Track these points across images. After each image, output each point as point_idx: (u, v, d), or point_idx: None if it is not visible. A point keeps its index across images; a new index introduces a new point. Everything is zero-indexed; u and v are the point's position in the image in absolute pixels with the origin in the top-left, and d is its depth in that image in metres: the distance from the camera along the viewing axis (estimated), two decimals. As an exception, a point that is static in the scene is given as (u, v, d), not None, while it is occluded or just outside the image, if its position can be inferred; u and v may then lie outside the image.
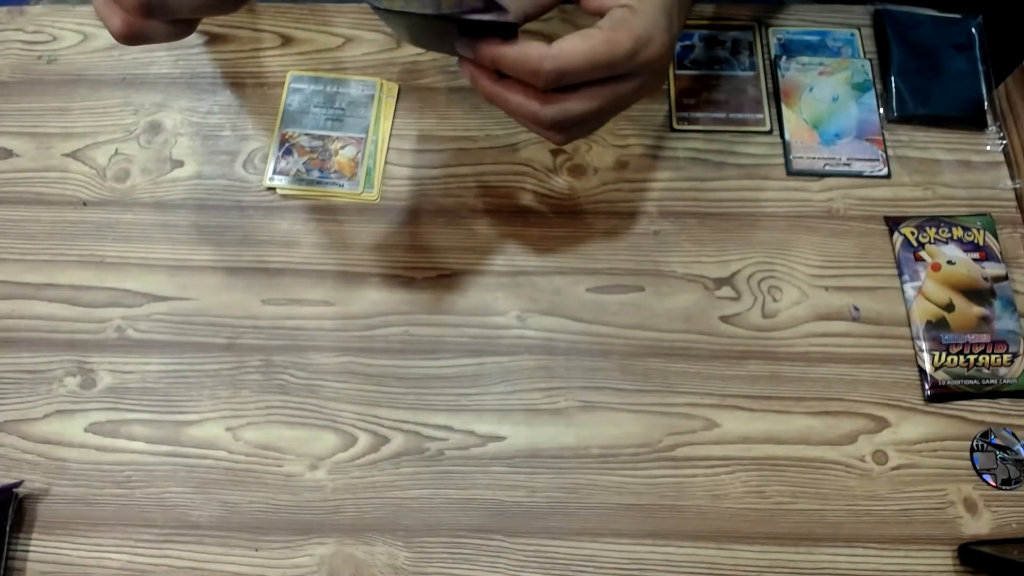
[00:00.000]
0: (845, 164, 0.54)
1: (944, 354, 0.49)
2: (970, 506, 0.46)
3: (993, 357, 0.49)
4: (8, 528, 0.45)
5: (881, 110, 0.56)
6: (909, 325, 0.50)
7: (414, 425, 0.48)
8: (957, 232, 0.52)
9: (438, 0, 0.36)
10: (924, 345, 0.49)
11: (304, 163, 0.54)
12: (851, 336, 0.50)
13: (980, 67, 0.56)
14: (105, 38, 0.59)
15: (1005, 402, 0.49)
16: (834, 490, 0.47)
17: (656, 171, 0.55)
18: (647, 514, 0.46)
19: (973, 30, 0.57)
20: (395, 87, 0.57)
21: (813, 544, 0.46)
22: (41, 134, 0.56)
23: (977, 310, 0.50)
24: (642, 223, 0.53)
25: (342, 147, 0.55)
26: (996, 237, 0.52)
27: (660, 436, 0.48)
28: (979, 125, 0.55)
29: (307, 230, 0.53)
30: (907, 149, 0.55)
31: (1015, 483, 0.47)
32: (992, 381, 0.49)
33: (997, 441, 0.48)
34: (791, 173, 0.54)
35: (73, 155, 0.55)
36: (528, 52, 0.37)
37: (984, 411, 0.48)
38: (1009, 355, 0.49)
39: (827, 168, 0.54)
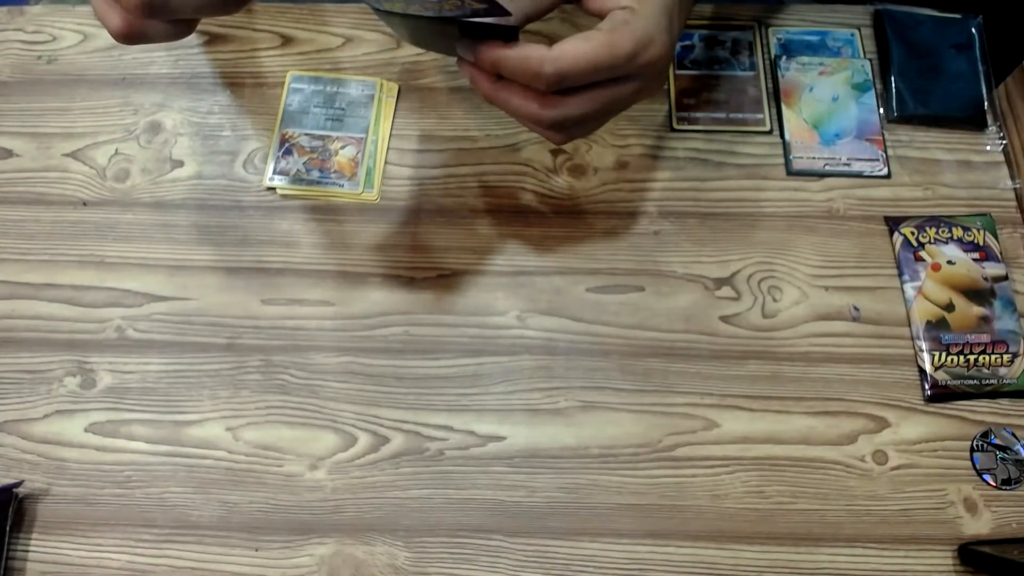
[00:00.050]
0: (845, 164, 0.54)
1: (944, 354, 0.49)
2: (970, 506, 0.46)
3: (993, 357, 0.49)
4: (8, 528, 0.45)
5: (881, 110, 0.56)
6: (909, 325, 0.50)
7: (414, 425, 0.48)
8: (957, 232, 0.52)
9: (439, 2, 0.36)
10: (924, 345, 0.49)
11: (304, 163, 0.54)
12: (851, 336, 0.50)
13: (980, 67, 0.56)
14: (105, 38, 0.59)
15: (1005, 402, 0.49)
16: (834, 490, 0.47)
17: (656, 171, 0.55)
18: (647, 514, 0.46)
19: (973, 30, 0.57)
20: (395, 87, 0.57)
21: (813, 544, 0.46)
22: (41, 134, 0.56)
23: (977, 310, 0.50)
24: (642, 223, 0.53)
25: (342, 147, 0.55)
26: (996, 237, 0.52)
27: (660, 436, 0.48)
28: (979, 125, 0.55)
29: (307, 230, 0.53)
30: (907, 149, 0.55)
31: (1015, 483, 0.47)
32: (992, 381, 0.49)
33: (997, 441, 0.48)
34: (791, 173, 0.54)
35: (73, 155, 0.55)
36: (529, 55, 0.37)
37: (984, 411, 0.48)
38: (1009, 355, 0.49)
39: (827, 168, 0.54)
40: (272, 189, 0.54)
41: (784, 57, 0.57)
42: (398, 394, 0.49)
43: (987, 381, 0.49)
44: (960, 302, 0.50)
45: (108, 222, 0.53)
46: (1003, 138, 0.55)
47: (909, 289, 0.51)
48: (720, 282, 0.52)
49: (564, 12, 0.58)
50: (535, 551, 0.45)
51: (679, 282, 0.52)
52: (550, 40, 0.37)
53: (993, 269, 0.51)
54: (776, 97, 0.56)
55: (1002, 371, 0.49)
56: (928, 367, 0.49)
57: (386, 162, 0.55)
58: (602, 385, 0.49)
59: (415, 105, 0.57)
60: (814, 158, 0.55)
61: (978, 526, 0.46)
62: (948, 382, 0.49)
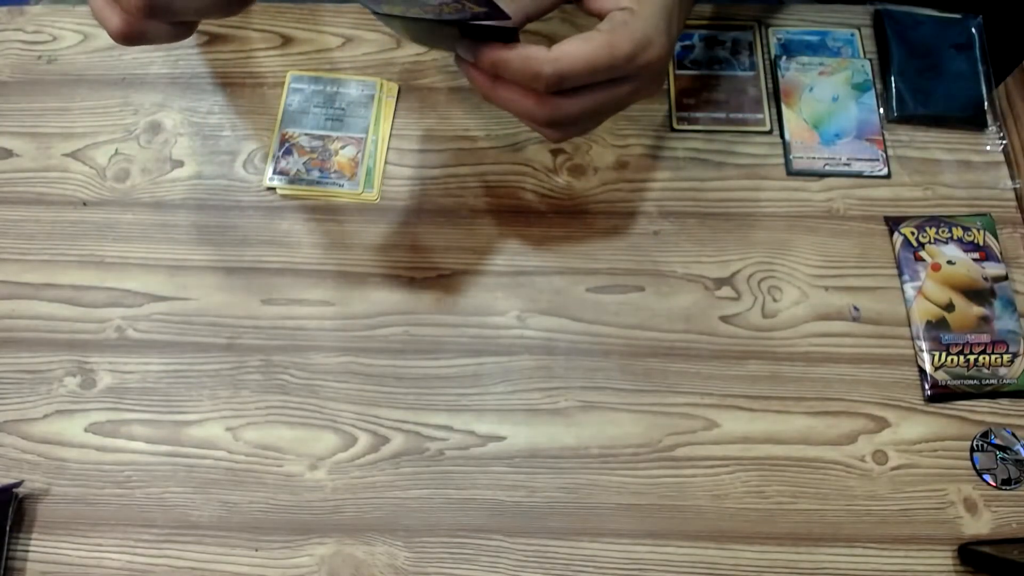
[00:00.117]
0: (845, 164, 0.54)
1: (944, 354, 0.49)
2: (970, 506, 0.46)
3: (993, 357, 0.49)
4: (8, 528, 0.45)
5: (881, 110, 0.56)
6: (909, 325, 0.50)
7: (414, 425, 0.48)
8: (957, 232, 0.52)
9: (439, 5, 0.36)
10: (924, 345, 0.49)
11: (304, 163, 0.54)
12: (851, 336, 0.50)
13: (980, 67, 0.56)
14: (105, 38, 0.59)
15: (1005, 402, 0.49)
16: (834, 490, 0.47)
17: (656, 171, 0.55)
18: (647, 514, 0.46)
19: (973, 30, 0.57)
20: (395, 87, 0.57)
21: (813, 544, 0.46)
22: (41, 134, 0.56)
23: (977, 310, 0.50)
24: (642, 223, 0.53)
25: (342, 147, 0.55)
26: (996, 237, 0.52)
27: (660, 436, 0.48)
28: (979, 125, 0.55)
29: (307, 230, 0.53)
30: (907, 149, 0.55)
31: (1015, 483, 0.47)
32: (992, 381, 0.49)
33: (997, 441, 0.48)
34: (791, 173, 0.54)
35: (73, 155, 0.55)
36: (528, 56, 0.37)
37: (984, 411, 0.48)
38: (1009, 355, 0.49)
39: (827, 168, 0.54)
40: (272, 189, 0.54)
41: (784, 57, 0.57)
42: (398, 394, 0.49)
43: (987, 381, 0.49)
44: (960, 302, 0.50)
45: (108, 222, 0.53)
46: (1003, 138, 0.55)
47: (909, 289, 0.51)
48: (720, 282, 0.52)
49: (564, 12, 0.58)
50: (535, 551, 0.45)
51: (679, 282, 0.52)
52: (550, 40, 0.37)
53: (993, 269, 0.51)
54: (776, 97, 0.56)
55: (1002, 371, 0.49)
56: (928, 367, 0.49)
57: (386, 162, 0.55)
58: (602, 385, 0.49)
59: (415, 105, 0.57)
60: (814, 158, 0.55)
61: (978, 526, 0.46)
62: (948, 382, 0.49)
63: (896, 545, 0.46)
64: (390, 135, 0.56)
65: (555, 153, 0.55)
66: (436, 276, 0.52)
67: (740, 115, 0.56)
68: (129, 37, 0.37)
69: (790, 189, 0.54)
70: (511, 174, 0.55)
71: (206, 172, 0.55)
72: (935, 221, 0.53)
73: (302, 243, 0.53)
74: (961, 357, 0.49)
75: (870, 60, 0.57)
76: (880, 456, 0.47)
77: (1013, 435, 0.48)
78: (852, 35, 0.58)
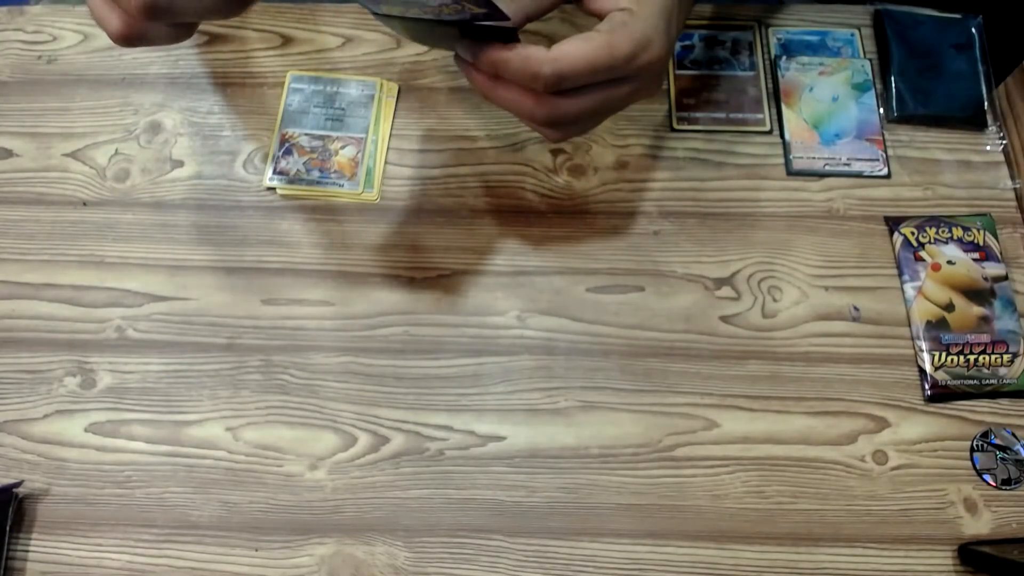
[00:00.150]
0: (845, 164, 0.54)
1: (944, 354, 0.49)
2: (970, 506, 0.46)
3: (993, 357, 0.49)
4: (8, 528, 0.45)
5: (881, 110, 0.56)
6: (909, 325, 0.50)
7: (414, 425, 0.48)
8: (957, 232, 0.52)
9: (438, 7, 0.36)
10: (924, 345, 0.49)
11: (304, 163, 0.54)
12: (851, 336, 0.50)
13: (980, 67, 0.56)
14: (105, 38, 0.58)
15: (1005, 402, 0.49)
16: (834, 490, 0.47)
17: (656, 171, 0.55)
18: (647, 514, 0.46)
19: (973, 30, 0.57)
20: (395, 87, 0.57)
21: (813, 544, 0.46)
22: (41, 134, 0.56)
23: (977, 310, 0.50)
24: (642, 223, 0.53)
25: (342, 147, 0.55)
26: (996, 237, 0.52)
27: (660, 436, 0.48)
28: (979, 125, 0.55)
29: (307, 230, 0.53)
30: (907, 149, 0.55)
31: (1015, 483, 0.47)
32: (992, 381, 0.49)
33: (997, 441, 0.48)
34: (791, 173, 0.54)
35: (73, 155, 0.55)
36: (528, 57, 0.37)
37: (984, 411, 0.48)
38: (1009, 355, 0.49)
39: (827, 168, 0.54)
40: (272, 189, 0.54)
41: (784, 57, 0.57)
42: (398, 394, 0.49)
43: (987, 381, 0.49)
44: (960, 302, 0.50)
45: (108, 222, 0.53)
46: (1003, 138, 0.55)
47: (909, 289, 0.51)
48: (720, 282, 0.52)
49: (564, 12, 0.58)
50: (535, 551, 0.45)
51: (679, 282, 0.52)
52: (550, 40, 0.37)
53: (993, 269, 0.51)
54: (776, 97, 0.56)
55: (1002, 371, 0.49)
56: (928, 367, 0.49)
57: (386, 162, 0.55)
58: (602, 385, 0.49)
59: (415, 105, 0.57)
60: (814, 158, 0.55)
61: (978, 526, 0.46)
62: (948, 382, 0.49)
63: (896, 545, 0.46)
64: (390, 135, 0.56)
65: (555, 153, 0.55)
66: (436, 276, 0.52)
67: (740, 115, 0.56)
68: (129, 39, 0.36)
69: (790, 189, 0.54)
70: (511, 174, 0.55)
71: (206, 172, 0.55)
72: (935, 221, 0.53)
73: (302, 243, 0.53)
74: (961, 357, 0.49)
75: (870, 60, 0.57)
76: (880, 456, 0.47)
77: (1013, 435, 0.48)
78: (852, 35, 0.58)
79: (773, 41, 0.58)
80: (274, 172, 0.54)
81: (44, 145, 0.56)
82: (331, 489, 0.47)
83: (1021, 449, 0.47)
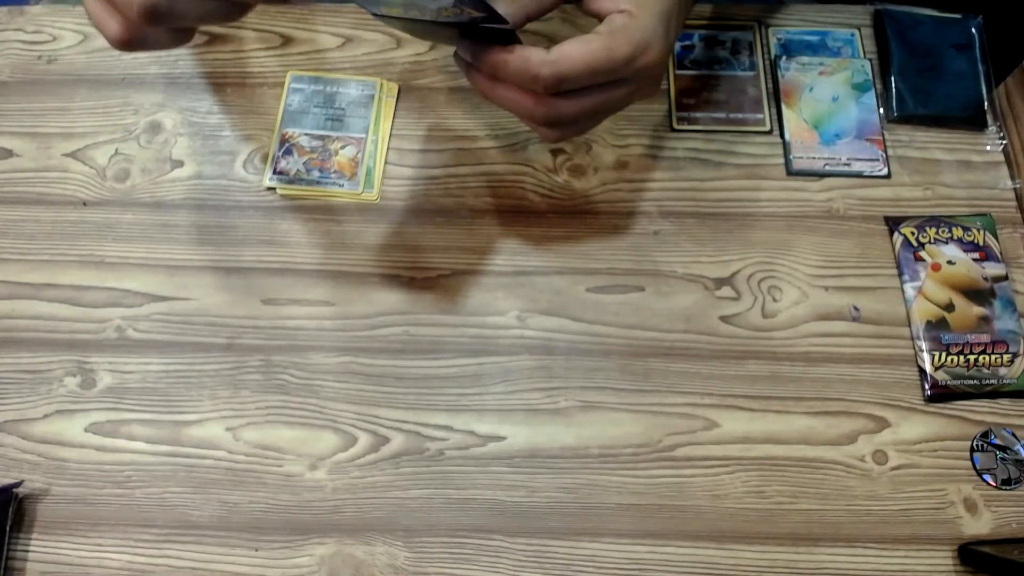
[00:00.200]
0: (845, 164, 0.54)
1: (944, 354, 0.49)
2: (970, 506, 0.46)
3: (993, 357, 0.49)
4: (8, 528, 0.45)
5: (881, 110, 0.56)
6: (909, 325, 0.50)
7: (414, 425, 0.48)
8: (957, 232, 0.52)
9: (437, 11, 0.36)
10: (924, 345, 0.49)
11: (304, 163, 0.54)
12: (851, 336, 0.50)
13: (980, 67, 0.56)
14: (105, 38, 0.59)
15: (1005, 402, 0.49)
16: (834, 490, 0.47)
17: (656, 171, 0.55)
18: (647, 514, 0.46)
19: (973, 30, 0.57)
20: (395, 87, 0.57)
21: (813, 544, 0.46)
22: (41, 134, 0.56)
23: (977, 310, 0.50)
24: (642, 223, 0.53)
25: (342, 147, 0.55)
26: (996, 237, 0.52)
27: (660, 436, 0.48)
28: (979, 125, 0.55)
29: (307, 230, 0.53)
30: (907, 149, 0.55)
31: (1015, 483, 0.47)
32: (992, 381, 0.49)
33: (997, 441, 0.48)
34: (791, 173, 0.54)
35: (73, 155, 0.55)
36: (527, 58, 0.37)
37: (984, 411, 0.48)
38: (1009, 355, 0.49)
39: (827, 168, 0.54)
40: (272, 189, 0.54)
41: (784, 57, 0.57)
42: (398, 394, 0.49)
43: (987, 381, 0.49)
44: (960, 302, 0.50)
45: (108, 222, 0.53)
46: (1003, 138, 0.55)
47: (909, 289, 0.51)
48: (720, 282, 0.52)
49: (564, 12, 0.58)
50: (535, 551, 0.45)
51: (679, 282, 0.52)
52: (550, 40, 0.37)
53: (993, 269, 0.51)
54: (776, 97, 0.56)
55: (1002, 371, 0.49)
56: (928, 367, 0.49)
57: (386, 162, 0.55)
58: (602, 385, 0.49)
59: (415, 105, 0.57)
60: (814, 158, 0.55)
61: (978, 526, 0.46)
62: (948, 382, 0.49)
63: (896, 545, 0.46)
64: (390, 135, 0.56)
65: (555, 153, 0.55)
66: (436, 276, 0.52)
67: (740, 115, 0.56)
68: (129, 44, 0.36)
69: (790, 189, 0.54)
70: (511, 174, 0.55)
71: (206, 172, 0.55)
72: (935, 221, 0.53)
73: (302, 243, 0.53)
74: (961, 357, 0.49)
75: (870, 60, 0.57)
76: (880, 456, 0.47)
77: (1013, 435, 0.48)
78: (852, 35, 0.58)
79: (773, 41, 0.58)
80: (274, 172, 0.54)
81: (44, 145, 0.56)
82: (331, 489, 0.47)
83: (1021, 449, 0.47)
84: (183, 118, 0.57)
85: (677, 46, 0.58)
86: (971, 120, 0.55)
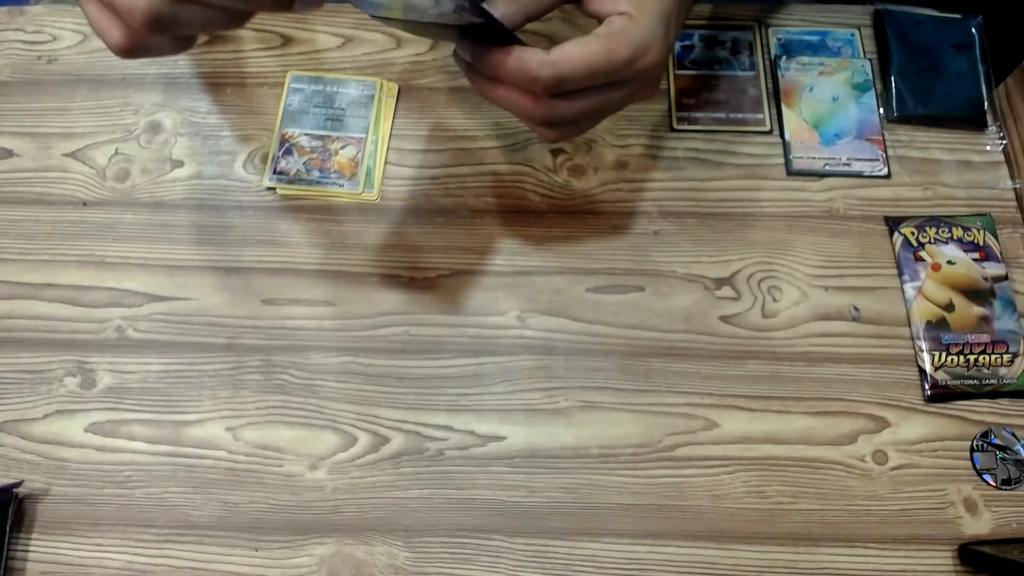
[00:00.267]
0: (845, 164, 0.54)
1: (944, 354, 0.49)
2: (970, 506, 0.46)
3: (993, 357, 0.49)
4: (8, 528, 0.45)
5: (881, 110, 0.56)
6: (909, 325, 0.50)
7: (414, 425, 0.48)
8: (957, 232, 0.52)
9: (437, 15, 0.36)
10: (924, 345, 0.49)
11: (304, 163, 0.54)
12: (851, 336, 0.50)
13: (980, 67, 0.56)
14: (105, 38, 0.59)
15: (1005, 402, 0.49)
16: (834, 490, 0.47)
17: (656, 171, 0.55)
18: (647, 514, 0.46)
19: (973, 30, 0.57)
20: (395, 87, 0.57)
21: (813, 544, 0.46)
22: (41, 134, 0.56)
23: (977, 310, 0.50)
24: (642, 223, 0.53)
25: (342, 147, 0.55)
26: (996, 237, 0.52)
27: (660, 436, 0.48)
28: (979, 125, 0.55)
29: (307, 230, 0.53)
30: (907, 149, 0.55)
31: (1015, 483, 0.47)
32: (992, 381, 0.49)
33: (997, 441, 0.48)
34: (791, 173, 0.54)
35: (73, 155, 0.55)
36: (527, 60, 0.37)
37: (984, 411, 0.48)
38: (1009, 355, 0.49)
39: (827, 168, 0.54)
40: (272, 189, 0.54)
41: (784, 57, 0.57)
42: (398, 394, 0.49)
43: (987, 381, 0.49)
44: (960, 302, 0.50)
45: (108, 222, 0.53)
46: (1003, 138, 0.55)
47: (909, 289, 0.51)
48: (720, 282, 0.52)
49: (564, 12, 0.58)
50: (535, 551, 0.45)
51: (679, 282, 0.52)
52: (550, 40, 0.37)
53: (993, 269, 0.51)
54: (776, 97, 0.56)
55: (1002, 371, 0.49)
56: (928, 367, 0.49)
57: (386, 162, 0.55)
58: (602, 385, 0.49)
59: (415, 105, 0.57)
60: (814, 158, 0.55)
61: (978, 526, 0.46)
62: (948, 382, 0.49)
63: (896, 545, 0.46)
64: (390, 135, 0.56)
65: (555, 153, 0.55)
66: (436, 276, 0.52)
67: (740, 115, 0.56)
68: (132, 51, 0.36)
69: (790, 189, 0.54)
70: (511, 174, 0.55)
71: (206, 172, 0.55)
72: (935, 221, 0.53)
73: (302, 243, 0.53)
74: (961, 357, 0.49)
75: (870, 60, 0.57)
76: (880, 456, 0.47)
77: (1013, 435, 0.48)
78: (852, 35, 0.58)
79: (773, 41, 0.58)
80: (274, 172, 0.54)
81: (44, 145, 0.56)
82: (331, 489, 0.47)
83: (1021, 449, 0.47)
84: (183, 118, 0.57)
85: (677, 46, 0.58)
86: (971, 120, 0.55)
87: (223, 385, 0.49)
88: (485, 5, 0.40)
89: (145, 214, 0.54)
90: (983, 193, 0.54)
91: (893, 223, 0.53)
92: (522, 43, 0.39)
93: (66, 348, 0.50)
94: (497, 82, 0.40)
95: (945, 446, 0.48)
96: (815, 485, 0.47)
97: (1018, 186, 0.54)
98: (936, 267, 0.51)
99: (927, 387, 0.49)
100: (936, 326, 0.50)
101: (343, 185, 0.54)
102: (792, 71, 0.57)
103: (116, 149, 0.55)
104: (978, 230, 0.52)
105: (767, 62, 0.58)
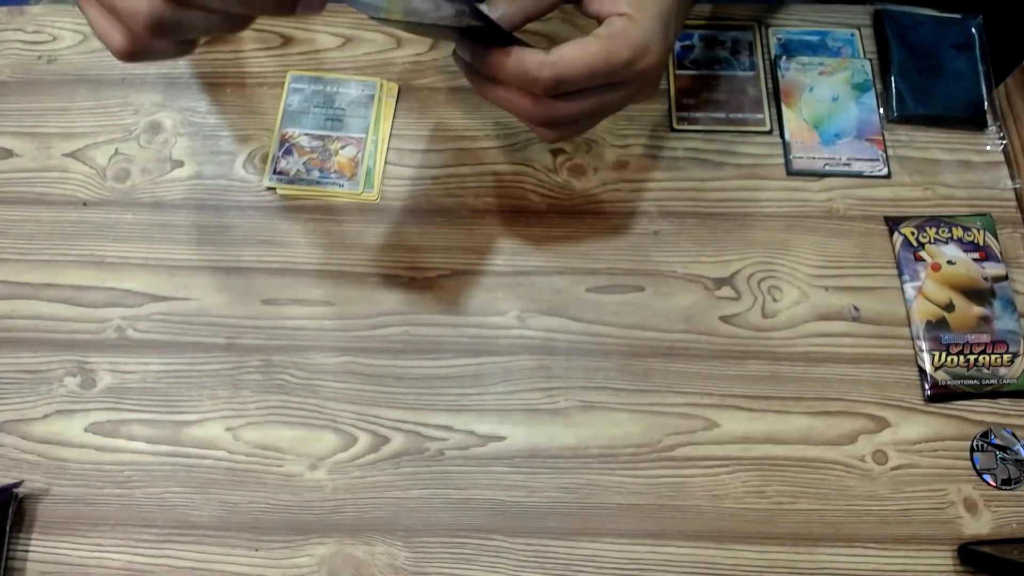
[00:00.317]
0: (845, 164, 0.54)
1: (944, 354, 0.49)
2: (970, 506, 0.46)
3: (993, 357, 0.49)
4: (8, 528, 0.45)
5: (881, 110, 0.56)
6: (909, 325, 0.50)
7: (414, 425, 0.48)
8: (957, 232, 0.52)
9: (437, 17, 0.36)
10: (924, 345, 0.49)
11: (304, 163, 0.54)
12: (851, 336, 0.50)
13: (980, 67, 0.56)
14: (105, 38, 0.59)
15: (1005, 402, 0.49)
16: (834, 490, 0.47)
17: (656, 171, 0.55)
18: (647, 514, 0.46)
19: (973, 30, 0.57)
20: (395, 87, 0.57)
21: (813, 544, 0.46)
22: (41, 134, 0.56)
23: (977, 310, 0.50)
24: (642, 223, 0.53)
25: (342, 147, 0.55)
26: (996, 237, 0.52)
27: (660, 436, 0.48)
28: (979, 125, 0.55)
29: (307, 230, 0.53)
30: (907, 149, 0.55)
31: (1015, 483, 0.47)
32: (992, 381, 0.49)
33: (997, 441, 0.48)
34: (791, 173, 0.54)
35: (73, 155, 0.55)
36: (526, 61, 0.37)
37: (984, 411, 0.48)
38: (1009, 355, 0.49)
39: (827, 168, 0.54)
40: (272, 189, 0.54)
41: (784, 57, 0.57)
42: (398, 394, 0.49)
43: (987, 381, 0.49)
44: (960, 302, 0.50)
45: (108, 222, 0.53)
46: (1003, 138, 0.55)
47: (909, 289, 0.51)
48: (720, 282, 0.52)
49: (564, 12, 0.58)
50: (535, 551, 0.45)
51: (679, 282, 0.52)
52: (550, 40, 0.37)
53: (993, 269, 0.51)
54: (776, 97, 0.56)
55: (1002, 371, 0.49)
56: (928, 367, 0.49)
57: (386, 162, 0.55)
58: (602, 385, 0.49)
59: (415, 105, 0.57)
60: (814, 158, 0.55)
61: (978, 526, 0.46)
62: (948, 382, 0.49)
63: (896, 545, 0.46)
64: (390, 135, 0.56)
65: (555, 153, 0.55)
66: (436, 276, 0.52)
67: (740, 115, 0.56)
68: (133, 55, 0.35)
69: (790, 189, 0.54)
70: (511, 174, 0.55)
71: (206, 172, 0.55)
72: (935, 221, 0.53)
73: (302, 243, 0.53)
74: (961, 357, 0.49)
75: (870, 60, 0.57)
76: (880, 456, 0.47)
77: (1013, 435, 0.48)
78: (852, 35, 0.58)
79: (773, 41, 0.58)
80: (274, 172, 0.54)
81: (44, 145, 0.56)
82: (331, 489, 0.47)
83: (1021, 449, 0.47)
84: (183, 118, 0.57)
85: (677, 46, 0.58)
86: (971, 120, 0.55)
87: (223, 385, 0.49)
88: (486, 4, 0.40)
89: (145, 214, 0.54)
90: (983, 193, 0.54)
91: (893, 223, 0.53)
92: (522, 43, 0.39)
93: (66, 348, 0.50)
94: (496, 82, 0.40)
95: (945, 446, 0.48)
96: (815, 485, 0.47)
97: (1018, 186, 0.54)
98: (936, 267, 0.51)
99: (927, 387, 0.49)
100: (936, 326, 0.50)
101: (343, 185, 0.54)
102: (792, 71, 0.57)
103: (116, 149, 0.55)
104: (978, 230, 0.52)
105: (767, 62, 0.58)
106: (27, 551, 0.45)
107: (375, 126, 0.56)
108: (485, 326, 0.50)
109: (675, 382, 0.49)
